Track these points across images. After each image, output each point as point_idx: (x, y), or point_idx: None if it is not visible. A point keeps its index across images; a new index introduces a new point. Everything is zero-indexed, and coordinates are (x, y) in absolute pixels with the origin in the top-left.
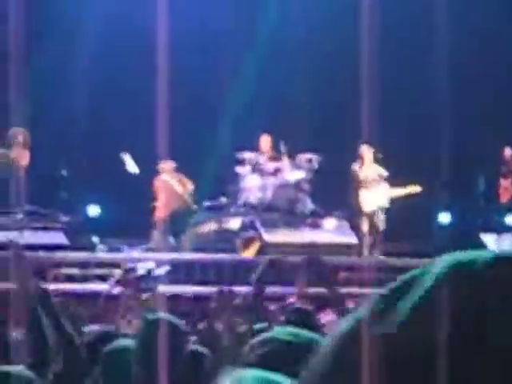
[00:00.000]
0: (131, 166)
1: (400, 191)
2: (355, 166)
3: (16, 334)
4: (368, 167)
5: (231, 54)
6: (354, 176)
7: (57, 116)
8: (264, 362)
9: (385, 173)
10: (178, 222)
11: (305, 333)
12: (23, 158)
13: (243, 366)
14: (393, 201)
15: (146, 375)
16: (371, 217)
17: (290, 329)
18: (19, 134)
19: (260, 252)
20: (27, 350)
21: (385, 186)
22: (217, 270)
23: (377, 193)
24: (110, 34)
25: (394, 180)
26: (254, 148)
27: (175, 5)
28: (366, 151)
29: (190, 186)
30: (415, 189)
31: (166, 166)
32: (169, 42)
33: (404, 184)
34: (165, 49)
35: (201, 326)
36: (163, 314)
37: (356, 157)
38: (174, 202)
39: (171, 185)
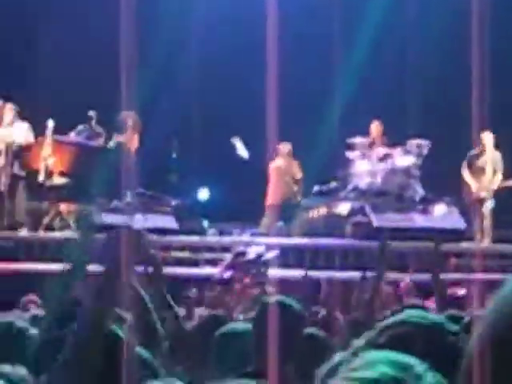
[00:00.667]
0: (242, 151)
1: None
2: (474, 152)
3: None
4: (487, 154)
5: (343, 38)
6: (472, 162)
7: (168, 99)
8: (394, 344)
9: (500, 162)
10: (287, 208)
11: (433, 315)
12: (133, 141)
13: (372, 348)
14: (502, 189)
15: (261, 359)
16: (481, 203)
17: (420, 311)
18: (129, 117)
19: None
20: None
21: (498, 174)
22: (326, 254)
23: (489, 180)
24: (216, 20)
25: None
26: (365, 133)
27: None
28: (488, 138)
29: (299, 175)
30: None
31: (283, 149)
32: (278, 26)
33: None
34: (274, 34)
35: (313, 309)
36: (280, 297)
37: (470, 143)
38: (285, 187)
39: (283, 170)
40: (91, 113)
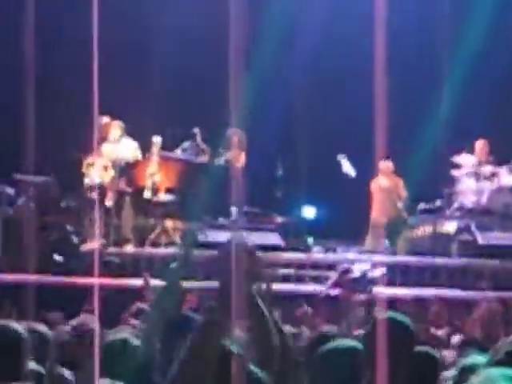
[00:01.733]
0: (348, 168)
1: None
2: None
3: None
4: None
5: (447, 54)
6: None
7: (273, 115)
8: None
9: None
10: (392, 226)
11: None
12: (239, 158)
13: (491, 365)
14: None
15: (372, 375)
16: None
17: None
18: (235, 134)
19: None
20: (253, 347)
21: None
22: (432, 273)
23: None
24: (320, 35)
25: None
26: (470, 151)
27: None
28: None
29: (404, 193)
30: None
31: (384, 167)
32: (385, 44)
33: None
34: (381, 50)
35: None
36: (391, 314)
37: None
38: (389, 205)
39: (387, 188)
40: (196, 130)
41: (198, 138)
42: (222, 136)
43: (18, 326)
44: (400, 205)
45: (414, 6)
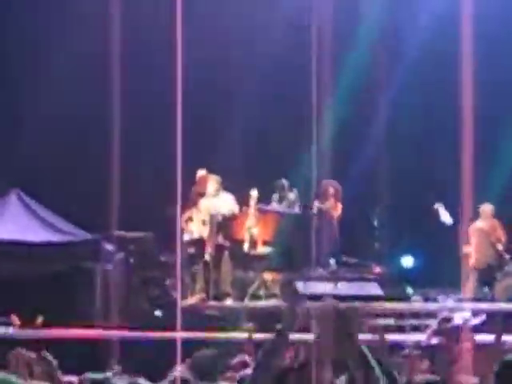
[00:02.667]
0: (445, 217)
1: None
2: None
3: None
4: None
5: None
6: None
7: (361, 166)
8: None
9: None
10: (492, 270)
11: None
12: (336, 209)
13: None
14: None
15: None
16: None
17: None
18: (330, 186)
19: None
20: None
21: None
22: None
23: None
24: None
25: None
26: None
27: None
28: None
29: (503, 236)
30: None
31: (484, 210)
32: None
33: None
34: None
35: None
36: None
37: None
38: (489, 249)
39: (486, 231)
40: (283, 181)
41: (286, 190)
42: (315, 187)
43: None
44: (501, 247)
45: None
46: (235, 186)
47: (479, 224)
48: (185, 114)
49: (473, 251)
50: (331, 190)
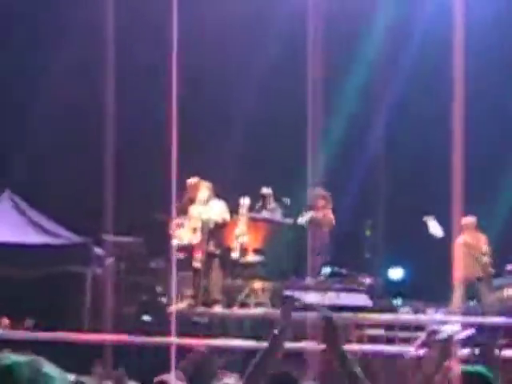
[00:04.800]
0: (435, 229)
1: None
2: None
3: None
4: None
5: None
6: None
7: (356, 176)
8: None
9: None
10: (476, 285)
11: None
12: (326, 218)
13: None
14: None
15: None
16: None
17: None
18: (320, 195)
19: None
20: None
21: None
22: None
23: None
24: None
25: None
26: None
27: None
28: None
29: (487, 248)
30: None
31: (467, 223)
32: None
33: None
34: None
35: None
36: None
37: None
38: (473, 263)
39: (470, 245)
40: (267, 190)
41: (270, 199)
42: (306, 196)
43: None
44: (486, 259)
45: None
46: (227, 194)
47: (463, 237)
48: (178, 120)
49: (457, 264)
50: (321, 199)
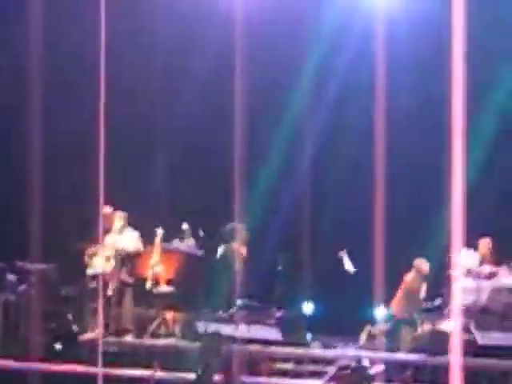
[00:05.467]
0: (348, 265)
1: None
2: None
3: None
4: None
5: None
6: None
7: (277, 213)
8: None
9: None
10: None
11: None
12: (240, 252)
13: None
14: None
15: None
16: None
17: None
18: (237, 228)
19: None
20: None
21: None
22: (431, 371)
23: None
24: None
25: None
26: (472, 248)
27: None
28: None
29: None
30: None
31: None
32: None
33: None
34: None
35: None
36: None
37: None
38: (410, 300)
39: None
40: (185, 226)
41: (188, 234)
42: (222, 230)
43: None
44: (422, 297)
45: None
46: (141, 224)
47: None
48: (106, 146)
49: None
50: (237, 233)
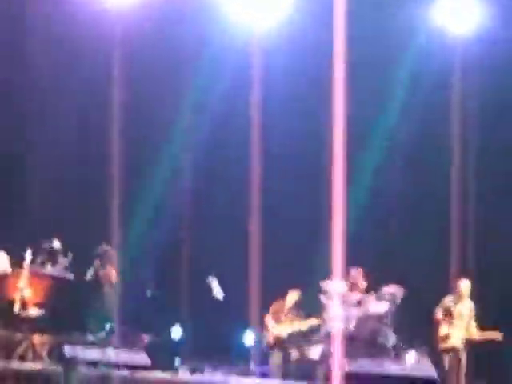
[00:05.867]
0: (217, 291)
1: (482, 334)
2: (449, 300)
3: None
4: (463, 302)
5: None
6: (446, 310)
7: (154, 238)
8: None
9: (473, 311)
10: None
11: None
12: (110, 276)
13: None
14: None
15: None
16: (455, 353)
17: None
18: (107, 251)
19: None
20: None
21: (472, 323)
22: None
23: (462, 329)
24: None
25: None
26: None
27: None
28: (465, 286)
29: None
30: (497, 335)
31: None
32: None
33: (488, 328)
34: None
35: None
36: None
37: (445, 291)
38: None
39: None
40: (57, 244)
41: (59, 253)
42: (94, 252)
43: None
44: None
45: None
46: (10, 245)
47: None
48: None
49: None
50: (108, 256)
